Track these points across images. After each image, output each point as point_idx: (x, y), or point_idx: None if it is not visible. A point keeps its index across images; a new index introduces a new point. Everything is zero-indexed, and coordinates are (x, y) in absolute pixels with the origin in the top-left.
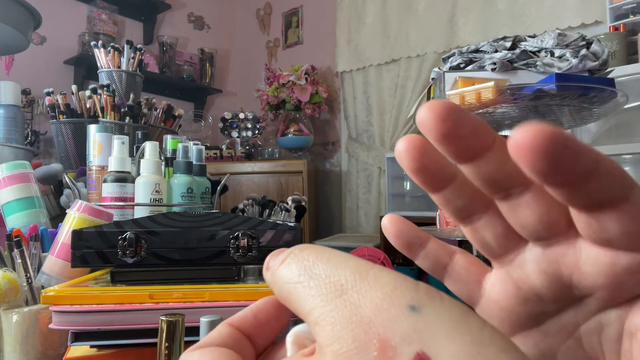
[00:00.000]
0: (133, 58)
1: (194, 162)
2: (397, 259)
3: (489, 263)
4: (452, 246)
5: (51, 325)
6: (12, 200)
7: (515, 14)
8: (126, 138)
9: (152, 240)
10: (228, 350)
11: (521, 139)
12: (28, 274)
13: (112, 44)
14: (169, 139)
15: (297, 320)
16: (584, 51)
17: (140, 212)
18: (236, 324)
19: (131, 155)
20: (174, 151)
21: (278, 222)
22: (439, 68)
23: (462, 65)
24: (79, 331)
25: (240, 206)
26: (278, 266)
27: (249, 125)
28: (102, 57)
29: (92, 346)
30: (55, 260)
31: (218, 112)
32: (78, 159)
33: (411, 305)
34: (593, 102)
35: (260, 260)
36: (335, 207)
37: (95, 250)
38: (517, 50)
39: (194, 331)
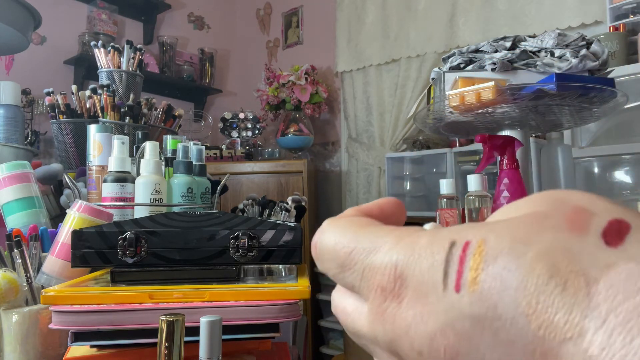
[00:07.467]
0: (133, 58)
1: (194, 162)
2: None
3: None
4: None
5: (51, 325)
6: (12, 200)
7: (515, 14)
8: (126, 138)
9: (152, 240)
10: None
11: None
12: (28, 274)
13: (112, 44)
14: (169, 139)
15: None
16: (584, 51)
17: (140, 212)
18: (363, 211)
19: (131, 155)
20: (174, 151)
21: (278, 222)
22: (439, 68)
23: (462, 65)
24: (79, 331)
25: (240, 206)
26: None
27: (249, 125)
28: (102, 57)
29: (92, 346)
30: (55, 260)
31: (218, 112)
32: (78, 159)
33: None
34: (593, 102)
35: (261, 260)
36: (335, 207)
37: (95, 250)
38: (517, 50)
39: (194, 331)
